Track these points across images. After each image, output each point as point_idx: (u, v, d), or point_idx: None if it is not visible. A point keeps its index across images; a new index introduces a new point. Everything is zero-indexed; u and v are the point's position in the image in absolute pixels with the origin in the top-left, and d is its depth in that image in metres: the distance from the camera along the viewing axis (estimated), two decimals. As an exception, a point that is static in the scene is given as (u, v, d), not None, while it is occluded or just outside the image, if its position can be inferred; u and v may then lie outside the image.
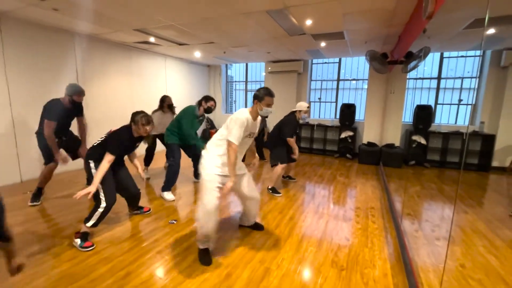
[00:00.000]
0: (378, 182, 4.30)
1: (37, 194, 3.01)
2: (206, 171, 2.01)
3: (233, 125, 1.95)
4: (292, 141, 3.44)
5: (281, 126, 3.55)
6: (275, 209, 3.04)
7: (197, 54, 5.91)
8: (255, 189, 2.36)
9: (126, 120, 2.38)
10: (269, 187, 3.57)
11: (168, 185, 3.29)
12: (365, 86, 6.20)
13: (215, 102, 3.33)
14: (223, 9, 3.06)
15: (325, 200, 3.39)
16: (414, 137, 5.42)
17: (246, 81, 7.85)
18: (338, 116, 6.43)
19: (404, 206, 3.18)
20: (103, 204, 2.16)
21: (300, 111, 3.51)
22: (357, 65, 6.42)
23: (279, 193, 3.53)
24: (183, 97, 6.84)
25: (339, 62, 6.50)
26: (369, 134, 5.93)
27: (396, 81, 5.46)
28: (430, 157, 5.51)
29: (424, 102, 5.73)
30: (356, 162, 5.72)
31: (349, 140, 6.02)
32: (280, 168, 3.51)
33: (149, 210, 2.89)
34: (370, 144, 5.73)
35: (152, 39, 4.60)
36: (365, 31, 3.90)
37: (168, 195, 3.27)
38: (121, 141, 2.29)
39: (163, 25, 3.79)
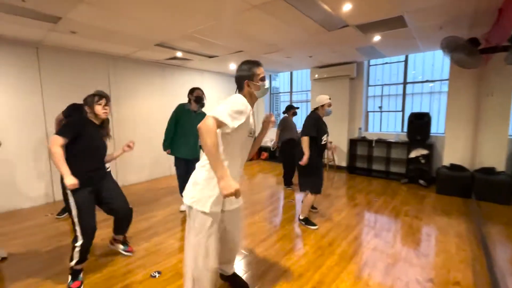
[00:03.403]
0: (469, 226, 2.87)
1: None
2: (197, 201, 1.46)
3: (223, 103, 1.36)
4: (305, 140, 2.78)
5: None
6: (296, 268, 2.14)
7: (232, 66, 5.50)
8: (240, 237, 1.82)
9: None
10: (301, 217, 3.01)
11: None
12: (445, 89, 4.65)
13: (201, 90, 3.22)
14: (230, 3, 2.46)
15: (376, 258, 2.30)
16: (532, 159, 3.64)
17: (291, 92, 7.07)
18: (405, 129, 5.01)
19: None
20: (79, 242, 1.86)
21: (322, 105, 2.87)
22: (432, 62, 4.93)
23: (314, 224, 2.93)
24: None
25: (406, 61, 5.11)
26: (453, 153, 4.33)
27: (496, 78, 3.82)
28: None
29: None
30: (433, 191, 4.20)
31: (422, 161, 4.52)
32: (313, 196, 2.91)
33: (132, 252, 2.40)
34: (454, 167, 4.15)
35: (179, 54, 4.37)
36: (438, 10, 2.72)
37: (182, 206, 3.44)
38: (74, 123, 1.91)
39: (181, 36, 3.45)
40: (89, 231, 1.90)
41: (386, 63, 5.40)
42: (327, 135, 2.91)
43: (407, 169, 4.78)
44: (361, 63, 5.45)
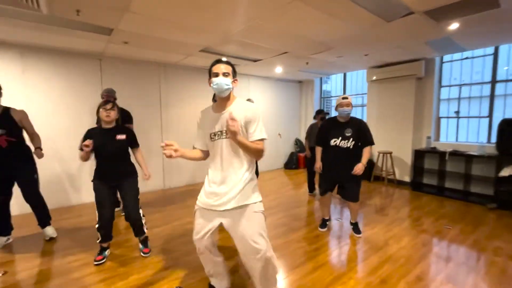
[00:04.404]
0: None
1: None
2: None
3: None
4: (316, 149, 2.91)
5: None
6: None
7: (278, 70, 5.25)
8: (253, 245, 1.49)
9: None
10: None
11: None
12: (557, 88, 3.52)
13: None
14: (267, -1, 2.23)
15: (449, 312, 1.72)
16: None
17: (344, 96, 6.44)
18: (494, 139, 3.97)
19: None
20: (97, 224, 2.24)
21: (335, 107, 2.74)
22: (536, 53, 3.80)
23: (322, 227, 3.01)
24: (269, 118, 6.35)
25: (495, 54, 4.07)
26: None
27: None
28: None
29: None
30: (538, 223, 3.16)
31: (520, 182, 3.48)
32: (320, 197, 2.99)
33: (148, 253, 2.45)
34: None
35: (224, 59, 4.33)
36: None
37: None
38: (83, 138, 2.12)
39: (223, 40, 3.38)
40: (101, 215, 2.20)
41: (467, 58, 4.40)
42: (342, 139, 2.64)
43: (496, 191, 3.75)
44: (432, 59, 4.58)
